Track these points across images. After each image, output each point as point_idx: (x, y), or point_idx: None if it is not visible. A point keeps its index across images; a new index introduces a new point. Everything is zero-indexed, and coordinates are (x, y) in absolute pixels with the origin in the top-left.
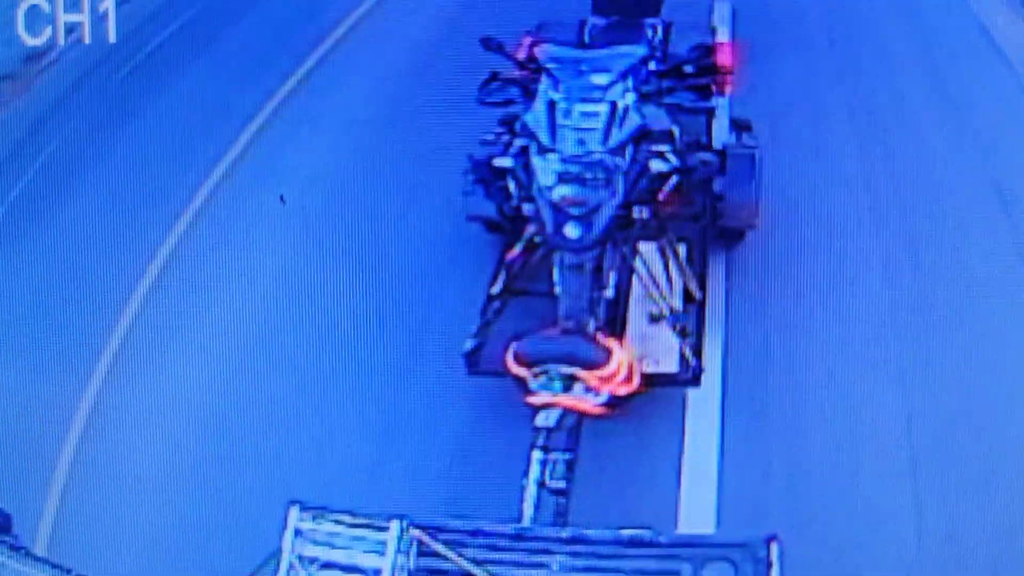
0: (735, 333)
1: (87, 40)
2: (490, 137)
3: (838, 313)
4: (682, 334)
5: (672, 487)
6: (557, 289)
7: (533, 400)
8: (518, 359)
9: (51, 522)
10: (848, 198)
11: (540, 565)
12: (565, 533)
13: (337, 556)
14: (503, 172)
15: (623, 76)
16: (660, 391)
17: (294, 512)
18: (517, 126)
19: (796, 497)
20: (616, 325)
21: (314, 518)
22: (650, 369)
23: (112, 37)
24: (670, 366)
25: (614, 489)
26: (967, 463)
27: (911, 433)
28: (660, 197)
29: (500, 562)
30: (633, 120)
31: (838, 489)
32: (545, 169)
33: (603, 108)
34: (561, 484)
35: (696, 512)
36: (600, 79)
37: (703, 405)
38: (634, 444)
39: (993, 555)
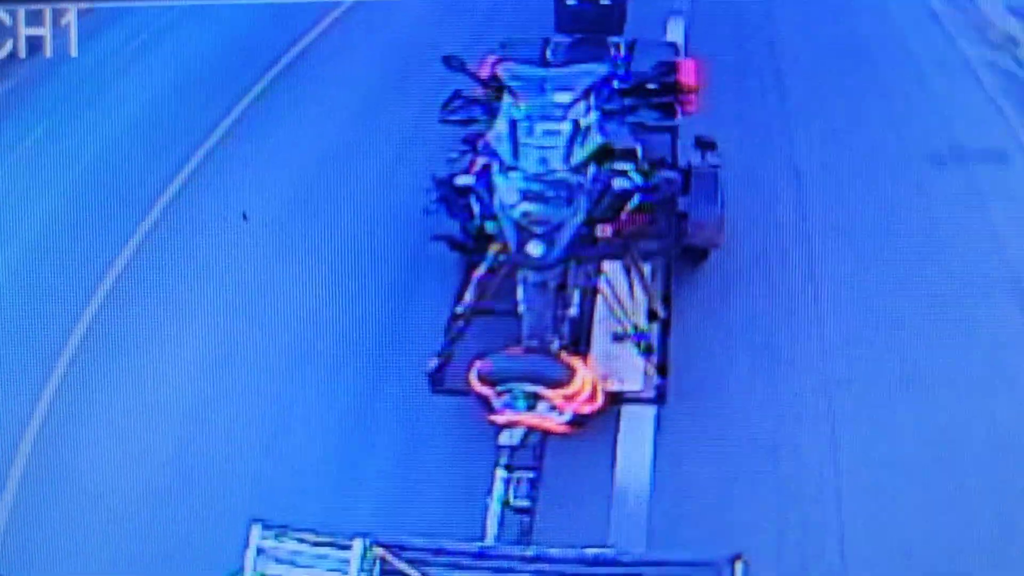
0: (676, 355)
1: (48, 54)
2: (454, 155)
3: (781, 334)
4: (647, 352)
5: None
6: (521, 308)
7: (497, 419)
8: (482, 378)
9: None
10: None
11: None
12: (529, 552)
13: (300, 574)
14: (466, 190)
15: (585, 94)
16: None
17: (256, 530)
18: (480, 145)
19: (727, 518)
20: (580, 344)
21: (276, 536)
22: (614, 388)
23: (74, 51)
24: (634, 385)
25: (580, 507)
26: (903, 482)
27: (848, 456)
28: (623, 215)
29: None
30: (595, 138)
31: (772, 512)
32: (507, 187)
33: (565, 127)
34: (525, 503)
35: (627, 531)
36: (562, 97)
37: (637, 424)
38: (600, 462)
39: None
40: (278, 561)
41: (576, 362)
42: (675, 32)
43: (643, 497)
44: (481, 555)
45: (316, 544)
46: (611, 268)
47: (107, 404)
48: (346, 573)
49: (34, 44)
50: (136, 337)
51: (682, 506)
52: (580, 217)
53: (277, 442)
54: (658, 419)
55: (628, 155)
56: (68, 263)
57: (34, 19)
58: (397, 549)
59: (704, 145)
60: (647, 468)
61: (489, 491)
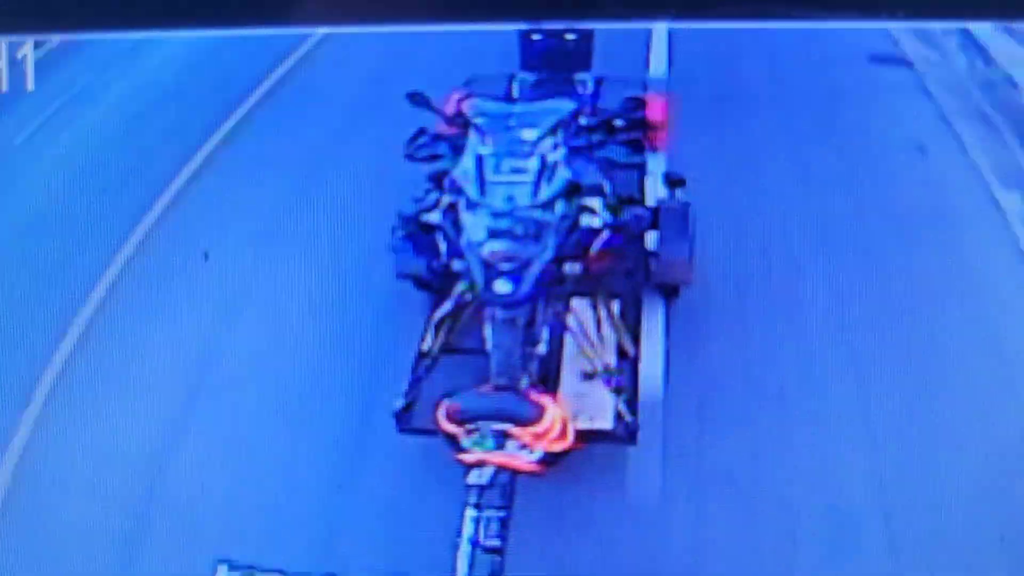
0: (674, 390)
1: (4, 88)
2: (420, 194)
3: (780, 364)
4: (616, 391)
5: (614, 544)
6: (489, 345)
7: (465, 458)
8: (450, 417)
9: None
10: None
11: None
12: None
13: None
14: (432, 228)
15: (552, 130)
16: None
17: (222, 571)
18: (446, 181)
19: (739, 557)
20: (549, 382)
21: None
22: (584, 426)
23: (30, 85)
24: (605, 423)
25: (551, 547)
26: (927, 500)
27: (864, 487)
28: (592, 252)
29: None
30: (563, 175)
31: (784, 552)
32: (474, 224)
33: (532, 163)
34: (495, 542)
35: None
36: (529, 134)
37: (644, 463)
38: (571, 502)
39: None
40: None
41: (545, 400)
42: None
43: (617, 535)
44: None
45: None
46: (579, 306)
47: (71, 446)
48: None
49: None
50: (99, 381)
51: (658, 546)
52: (548, 254)
53: (243, 483)
54: (628, 457)
55: (596, 191)
56: (24, 310)
57: None
58: None
59: (673, 183)
60: (620, 508)
61: (459, 531)
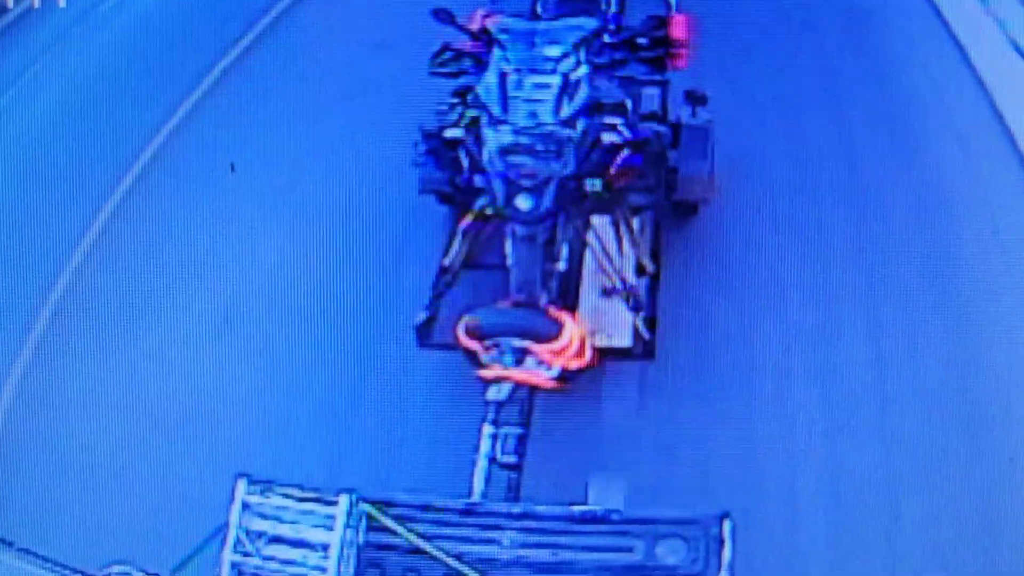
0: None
1: (36, 4)
2: (443, 108)
3: (765, 296)
4: (635, 308)
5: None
6: (509, 261)
7: (484, 373)
8: (469, 332)
9: None
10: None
11: (490, 541)
12: (516, 509)
13: (285, 530)
14: (455, 143)
15: (575, 48)
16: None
17: (242, 485)
18: (469, 97)
19: (714, 475)
20: (568, 298)
21: (262, 492)
22: (602, 343)
23: (63, 2)
24: (623, 340)
25: (568, 464)
26: (894, 437)
27: (837, 412)
28: (612, 169)
29: (450, 537)
30: (584, 92)
31: (759, 470)
32: (496, 140)
33: (555, 80)
34: (512, 459)
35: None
36: (552, 51)
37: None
38: (588, 418)
39: (934, 538)
40: (263, 517)
41: (564, 317)
42: None
43: (630, 454)
44: (468, 511)
45: (302, 500)
46: (600, 223)
47: (92, 359)
48: (332, 529)
49: None
50: (122, 289)
51: (669, 465)
52: (569, 171)
53: (263, 398)
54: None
55: (617, 109)
56: (52, 212)
57: None
58: (383, 505)
59: (695, 99)
60: (634, 425)
61: (476, 447)
